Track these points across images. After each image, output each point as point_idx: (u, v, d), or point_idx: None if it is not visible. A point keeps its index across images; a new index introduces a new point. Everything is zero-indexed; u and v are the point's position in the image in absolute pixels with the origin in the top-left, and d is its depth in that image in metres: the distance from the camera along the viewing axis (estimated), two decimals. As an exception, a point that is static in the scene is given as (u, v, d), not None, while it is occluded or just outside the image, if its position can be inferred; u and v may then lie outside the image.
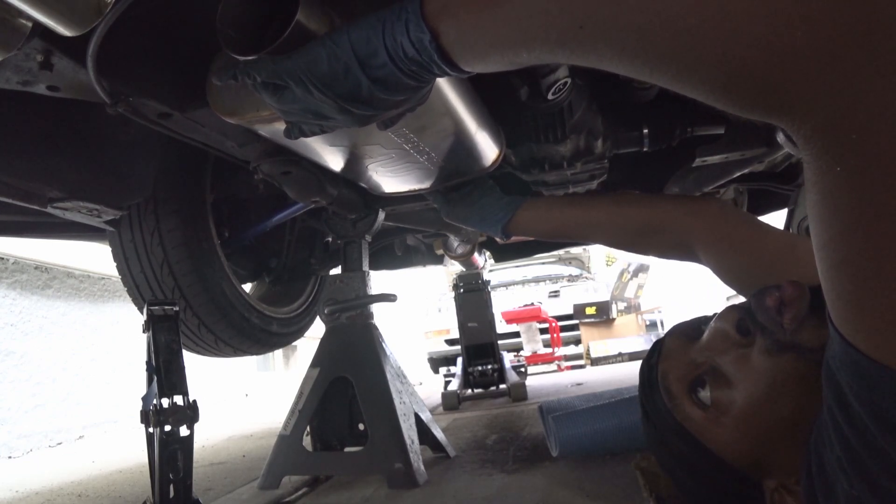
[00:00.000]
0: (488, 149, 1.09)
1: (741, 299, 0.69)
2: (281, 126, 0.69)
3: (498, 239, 1.16)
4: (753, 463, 0.58)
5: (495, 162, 1.14)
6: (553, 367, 6.02)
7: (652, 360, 0.69)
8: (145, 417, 1.01)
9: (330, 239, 1.92)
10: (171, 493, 0.99)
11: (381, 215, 1.50)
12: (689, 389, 0.62)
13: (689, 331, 0.67)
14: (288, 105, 0.60)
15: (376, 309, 1.49)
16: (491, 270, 5.22)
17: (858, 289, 0.35)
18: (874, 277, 0.33)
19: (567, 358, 6.40)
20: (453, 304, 3.18)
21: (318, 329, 1.60)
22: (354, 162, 1.05)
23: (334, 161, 1.05)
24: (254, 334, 1.56)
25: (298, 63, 0.56)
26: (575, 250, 7.08)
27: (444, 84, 0.84)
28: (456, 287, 3.13)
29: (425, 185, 1.18)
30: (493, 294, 3.18)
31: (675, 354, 0.66)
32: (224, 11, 0.61)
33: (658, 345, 0.70)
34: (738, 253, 0.78)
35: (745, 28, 0.31)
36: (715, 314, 0.65)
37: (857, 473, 0.39)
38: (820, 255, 0.36)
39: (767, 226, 0.83)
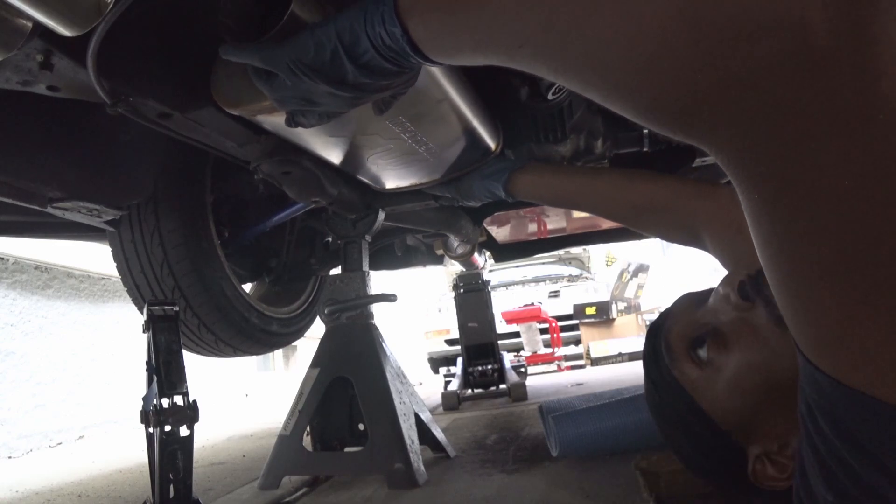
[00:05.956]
0: (486, 139, 1.09)
1: None
2: (282, 117, 0.73)
3: (503, 197, 1.12)
4: (740, 426, 0.58)
5: (493, 154, 1.14)
6: (553, 367, 6.02)
7: (659, 321, 0.69)
8: (145, 417, 1.01)
9: (330, 239, 1.91)
10: (171, 493, 0.99)
11: (381, 215, 1.50)
12: (689, 347, 0.63)
13: (698, 296, 0.68)
14: (280, 92, 0.64)
15: (376, 309, 1.49)
16: (491, 270, 5.22)
17: (797, 309, 0.35)
18: (806, 300, 0.34)
19: (567, 358, 6.39)
20: (453, 304, 3.18)
21: (318, 329, 1.60)
22: (355, 154, 1.07)
23: (335, 154, 1.06)
24: (254, 334, 1.56)
25: (287, 51, 0.60)
26: (575, 250, 7.09)
27: (437, 73, 0.85)
28: (456, 287, 3.13)
29: (426, 179, 1.18)
30: (493, 294, 3.17)
31: (681, 314, 0.67)
32: (226, 3, 0.65)
33: (668, 308, 0.71)
34: (745, 240, 0.78)
35: (654, 66, 0.33)
36: None
37: (826, 482, 0.39)
38: (766, 273, 0.37)
39: None
